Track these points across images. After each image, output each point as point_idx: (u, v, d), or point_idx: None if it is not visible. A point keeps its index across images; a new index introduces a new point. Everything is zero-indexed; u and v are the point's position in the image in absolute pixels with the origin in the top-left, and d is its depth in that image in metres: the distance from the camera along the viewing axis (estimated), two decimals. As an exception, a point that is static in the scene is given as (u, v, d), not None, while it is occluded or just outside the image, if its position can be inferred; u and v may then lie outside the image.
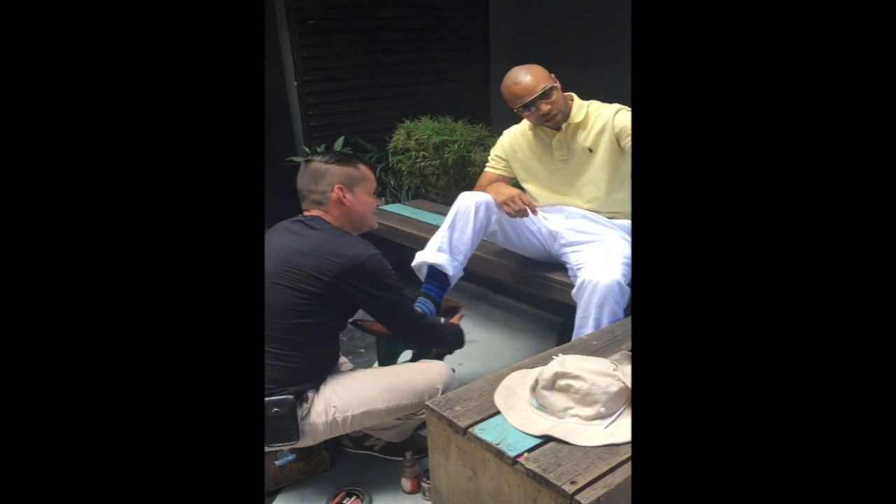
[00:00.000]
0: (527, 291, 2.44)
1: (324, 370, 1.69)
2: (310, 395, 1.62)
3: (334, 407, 1.61)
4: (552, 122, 2.07)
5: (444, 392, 1.65)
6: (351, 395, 1.63)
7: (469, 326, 2.84)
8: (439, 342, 1.91)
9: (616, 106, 2.08)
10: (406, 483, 1.73)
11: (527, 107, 2.03)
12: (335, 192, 1.69)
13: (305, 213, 1.73)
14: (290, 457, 1.75)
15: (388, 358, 1.99)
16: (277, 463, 1.73)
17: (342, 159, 1.74)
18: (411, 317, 1.76)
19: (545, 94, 2.01)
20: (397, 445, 1.85)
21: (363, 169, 1.76)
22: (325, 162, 1.72)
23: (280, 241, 1.66)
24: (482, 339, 2.72)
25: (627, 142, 1.99)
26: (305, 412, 1.60)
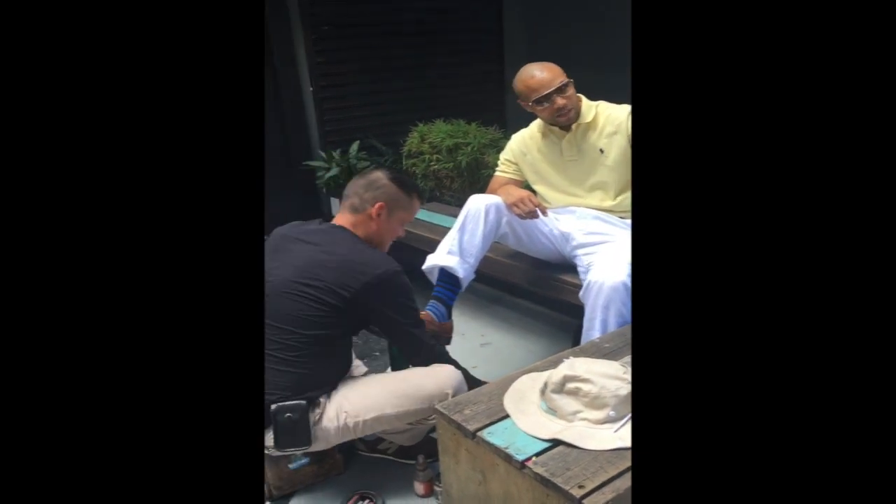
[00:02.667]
0: (540, 293, 2.43)
1: (336, 376, 1.70)
2: (322, 400, 1.63)
3: (346, 412, 1.62)
4: (566, 118, 2.06)
5: (454, 395, 1.64)
6: (362, 400, 1.64)
7: (484, 329, 2.85)
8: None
9: (628, 107, 2.06)
10: (419, 486, 1.73)
11: (543, 100, 2.02)
12: (375, 208, 1.70)
13: (333, 221, 1.74)
14: (304, 460, 1.76)
15: (400, 362, 2.00)
16: (291, 466, 1.74)
17: (402, 182, 1.76)
18: (420, 345, 1.74)
19: (561, 89, 2.01)
20: (410, 449, 1.85)
21: (415, 200, 1.77)
22: (387, 177, 1.74)
23: (299, 249, 1.67)
24: (497, 342, 2.71)
25: None
26: (318, 417, 1.61)
